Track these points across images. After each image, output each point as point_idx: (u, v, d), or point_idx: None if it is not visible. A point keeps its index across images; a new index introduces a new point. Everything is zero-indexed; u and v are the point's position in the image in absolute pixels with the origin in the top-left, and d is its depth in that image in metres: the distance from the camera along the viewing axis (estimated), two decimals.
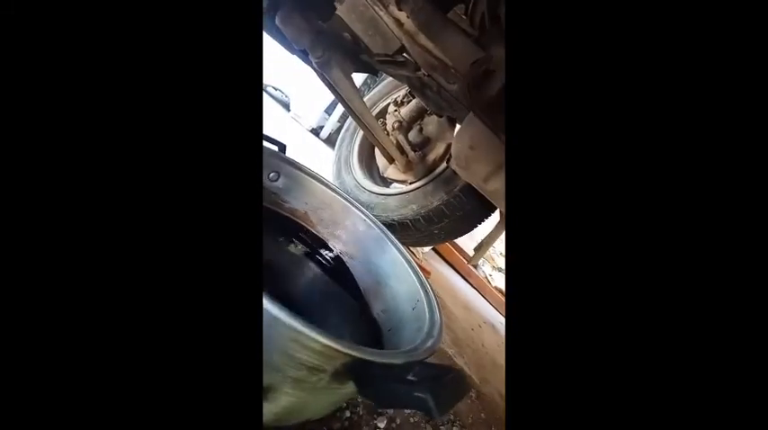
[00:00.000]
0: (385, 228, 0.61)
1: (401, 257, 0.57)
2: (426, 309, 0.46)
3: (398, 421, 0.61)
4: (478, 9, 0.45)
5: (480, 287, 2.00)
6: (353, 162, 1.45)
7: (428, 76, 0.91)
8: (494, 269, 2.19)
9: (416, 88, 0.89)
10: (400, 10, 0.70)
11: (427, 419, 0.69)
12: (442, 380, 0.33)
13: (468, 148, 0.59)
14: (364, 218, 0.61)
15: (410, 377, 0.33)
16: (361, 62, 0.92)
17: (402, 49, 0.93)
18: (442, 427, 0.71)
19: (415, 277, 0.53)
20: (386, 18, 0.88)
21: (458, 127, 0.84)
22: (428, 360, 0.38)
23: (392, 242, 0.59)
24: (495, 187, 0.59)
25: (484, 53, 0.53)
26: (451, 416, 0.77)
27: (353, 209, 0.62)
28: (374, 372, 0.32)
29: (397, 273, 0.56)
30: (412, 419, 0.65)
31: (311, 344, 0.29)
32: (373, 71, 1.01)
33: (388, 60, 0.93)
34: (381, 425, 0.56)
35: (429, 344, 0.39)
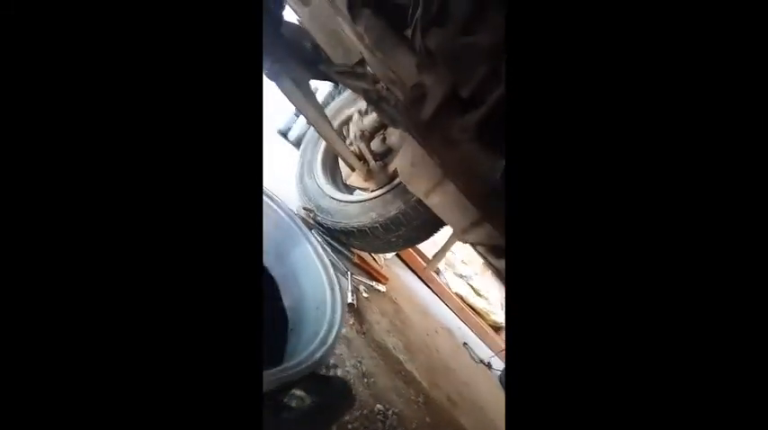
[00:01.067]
0: (297, 218, 0.58)
1: (311, 250, 0.56)
2: (329, 311, 0.45)
3: (334, 428, 0.62)
4: (416, 39, 0.48)
5: (441, 293, 2.05)
6: (317, 167, 1.45)
7: (387, 89, 0.93)
8: (455, 275, 2.26)
9: (373, 101, 0.92)
10: (355, 24, 0.73)
11: (366, 425, 0.70)
12: (321, 399, 0.32)
13: (410, 165, 0.62)
14: (274, 206, 0.58)
15: (295, 391, 0.33)
16: (319, 71, 0.93)
17: (363, 61, 0.96)
18: None
19: (324, 274, 0.52)
20: (347, 30, 0.90)
21: None
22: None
23: (303, 233, 0.56)
24: (435, 201, 0.63)
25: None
26: (393, 422, 0.79)
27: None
28: None
29: (305, 268, 0.55)
30: (350, 425, 0.66)
31: None
32: (331, 80, 1.02)
33: (347, 71, 0.95)
34: None
35: (318, 355, 0.37)
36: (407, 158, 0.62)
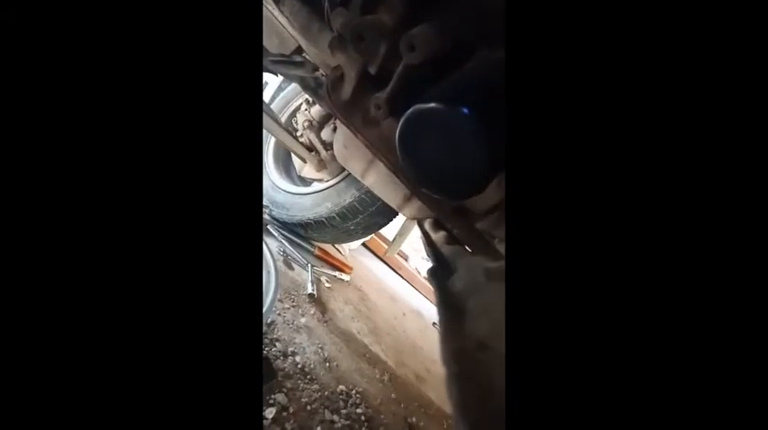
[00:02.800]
0: None
1: None
2: None
3: (292, 409, 0.63)
4: (330, 20, 0.49)
5: (410, 278, 2.10)
6: (268, 162, 1.43)
7: (326, 76, 0.93)
8: (422, 259, 2.31)
9: (310, 89, 0.91)
10: (281, 12, 0.72)
11: (327, 405, 0.72)
12: None
13: (343, 147, 0.63)
14: None
15: None
16: None
17: (299, 49, 0.95)
18: (343, 411, 0.75)
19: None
20: (280, 18, 0.89)
21: None
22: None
23: None
24: (371, 181, 0.64)
25: None
26: (357, 400, 0.81)
27: None
28: None
29: None
30: (309, 406, 0.68)
31: None
32: (266, 71, 1.00)
33: (282, 60, 0.94)
34: (269, 416, 0.58)
35: None
36: (340, 141, 0.63)
